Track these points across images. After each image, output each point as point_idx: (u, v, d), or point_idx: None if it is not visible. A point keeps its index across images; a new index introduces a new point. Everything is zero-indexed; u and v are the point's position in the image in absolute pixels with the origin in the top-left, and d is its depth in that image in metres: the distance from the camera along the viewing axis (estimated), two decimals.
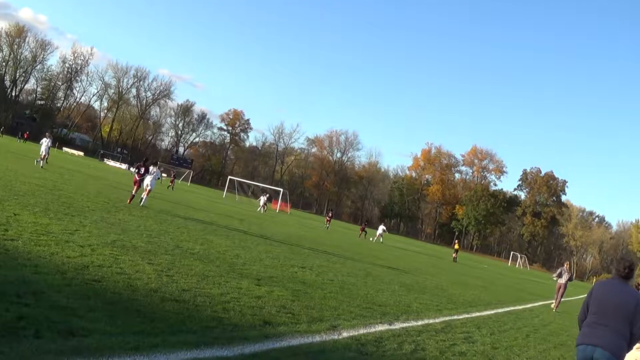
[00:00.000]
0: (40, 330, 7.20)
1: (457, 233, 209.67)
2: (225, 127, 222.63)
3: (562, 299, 32.72)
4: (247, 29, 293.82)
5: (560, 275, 32.64)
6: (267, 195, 78.90)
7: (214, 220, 33.57)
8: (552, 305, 32.45)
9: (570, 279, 32.87)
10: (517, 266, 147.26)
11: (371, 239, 70.45)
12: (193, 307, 10.36)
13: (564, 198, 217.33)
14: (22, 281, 9.25)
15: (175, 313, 9.68)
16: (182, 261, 15.09)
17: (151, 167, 33.62)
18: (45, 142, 45.66)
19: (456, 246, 75.61)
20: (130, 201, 31.02)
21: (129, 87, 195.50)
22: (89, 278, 10.53)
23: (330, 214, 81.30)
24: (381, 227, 73.13)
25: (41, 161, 44.82)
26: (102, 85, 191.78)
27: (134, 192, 32.15)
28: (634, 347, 13.02)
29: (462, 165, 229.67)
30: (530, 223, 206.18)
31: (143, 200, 31.98)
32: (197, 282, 12.71)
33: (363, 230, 73.18)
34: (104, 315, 8.47)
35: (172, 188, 72.80)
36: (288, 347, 9.48)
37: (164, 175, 78.46)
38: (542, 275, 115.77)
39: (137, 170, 33.18)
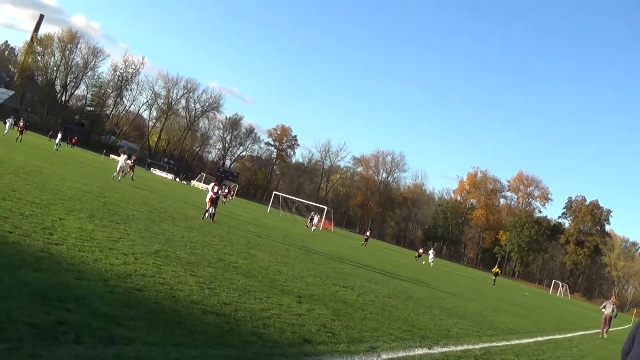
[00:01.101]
0: (80, 336, 7.19)
1: (499, 259, 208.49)
2: (272, 142, 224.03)
3: (609, 328, 34.13)
4: (292, 46, 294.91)
5: (605, 307, 34.16)
6: (317, 214, 79.54)
7: (257, 234, 33.59)
8: (600, 335, 33.91)
9: (615, 313, 33.92)
10: (558, 294, 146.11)
11: (423, 262, 71.09)
12: (234, 321, 10.33)
13: (607, 228, 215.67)
14: (65, 286, 9.28)
15: (215, 326, 9.65)
16: (225, 274, 15.09)
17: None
18: (122, 158, 49.26)
19: (496, 269, 76.78)
20: (203, 217, 32.76)
21: (178, 97, 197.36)
22: (131, 286, 10.55)
23: (368, 233, 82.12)
24: (432, 252, 75.38)
25: (117, 175, 47.45)
26: (152, 94, 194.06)
27: (209, 209, 33.40)
28: None
29: (508, 191, 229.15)
30: (573, 252, 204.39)
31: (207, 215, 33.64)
32: (238, 296, 12.69)
33: (419, 255, 75.06)
34: (144, 324, 8.46)
35: (225, 202, 73.79)
36: None
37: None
38: (583, 305, 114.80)
39: (212, 189, 34.25)
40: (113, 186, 36.61)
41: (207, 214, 33.73)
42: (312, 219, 77.36)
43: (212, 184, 35.60)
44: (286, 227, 57.30)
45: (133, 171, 53.71)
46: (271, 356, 8.91)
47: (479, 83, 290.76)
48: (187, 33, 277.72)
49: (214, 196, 33.85)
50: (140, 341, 7.69)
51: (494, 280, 76.60)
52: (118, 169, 48.03)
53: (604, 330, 35.00)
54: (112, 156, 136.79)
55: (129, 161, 52.01)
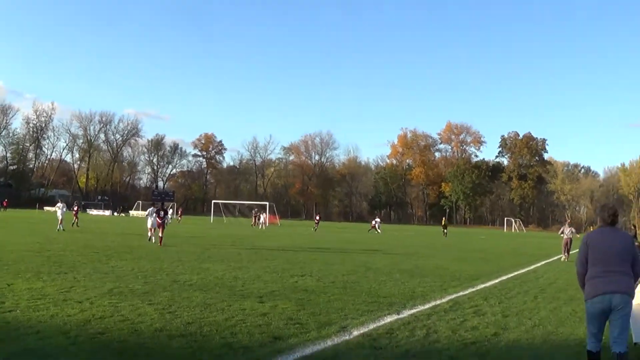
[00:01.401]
0: None
1: (447, 210, 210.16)
2: (199, 153, 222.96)
3: (570, 251, 35.59)
4: (199, 49, 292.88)
5: (564, 232, 35.91)
6: (258, 211, 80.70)
7: (206, 247, 33.54)
8: (562, 258, 34.78)
9: (575, 232, 36.14)
10: (513, 231, 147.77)
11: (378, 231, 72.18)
12: (201, 339, 10.34)
13: (546, 156, 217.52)
14: (28, 350, 9.18)
15: (184, 348, 9.65)
16: (182, 295, 15.06)
17: (152, 208, 37.15)
18: (59, 206, 49.38)
19: (444, 222, 78.69)
20: (161, 243, 33.49)
21: (96, 133, 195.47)
22: (93, 332, 10.48)
23: (317, 217, 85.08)
24: (378, 220, 77.00)
25: (60, 225, 47.22)
26: (70, 137, 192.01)
27: (160, 234, 34.05)
28: None
29: (441, 144, 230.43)
30: (518, 186, 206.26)
31: (154, 239, 35.30)
32: (200, 313, 12.69)
33: (374, 227, 76.35)
34: None
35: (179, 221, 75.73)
36: (301, 357, 9.48)
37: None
38: (540, 235, 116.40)
39: (157, 214, 35.28)
40: (53, 238, 36.22)
41: (151, 237, 35.42)
42: (256, 217, 77.93)
43: (154, 212, 36.30)
44: (233, 233, 57.28)
45: (77, 218, 53.51)
46: None
47: (388, 42, 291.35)
48: (89, 67, 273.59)
49: (159, 221, 34.53)
50: None
51: (445, 232, 78.51)
52: (60, 219, 47.80)
53: (565, 253, 36.13)
54: (47, 208, 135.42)
55: (69, 210, 52.29)
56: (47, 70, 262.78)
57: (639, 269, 8.75)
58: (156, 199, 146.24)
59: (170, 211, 74.39)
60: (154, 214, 35.98)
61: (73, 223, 51.69)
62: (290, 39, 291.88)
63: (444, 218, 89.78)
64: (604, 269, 8.52)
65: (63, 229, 46.40)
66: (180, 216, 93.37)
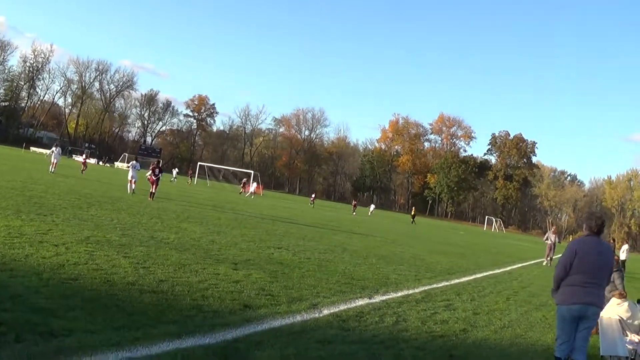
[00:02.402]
0: (20, 334, 7.16)
1: (430, 201, 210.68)
2: (191, 114, 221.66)
3: (553, 257, 36.24)
4: (203, 12, 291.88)
5: (548, 238, 36.94)
6: (252, 181, 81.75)
7: (186, 208, 33.50)
8: (545, 263, 35.77)
9: (558, 240, 36.78)
10: (492, 230, 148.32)
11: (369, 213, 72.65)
12: (172, 297, 10.38)
13: (534, 159, 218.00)
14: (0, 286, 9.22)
15: (154, 305, 9.68)
16: (158, 252, 15.08)
17: (134, 162, 38.99)
18: (56, 150, 50.19)
19: (413, 212, 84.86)
20: (152, 197, 34.90)
21: (91, 81, 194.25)
22: (66, 277, 10.50)
23: (314, 195, 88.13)
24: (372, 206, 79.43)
25: (51, 167, 48.55)
26: (65, 81, 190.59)
27: (153, 190, 35.75)
28: (615, 302, 13.23)
29: (431, 134, 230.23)
30: (503, 186, 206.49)
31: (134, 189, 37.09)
32: (174, 272, 12.72)
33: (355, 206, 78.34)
34: (83, 313, 8.45)
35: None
36: (270, 329, 9.51)
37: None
38: (519, 237, 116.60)
39: (152, 172, 36.44)
40: (38, 179, 36.09)
41: (133, 190, 36.81)
42: (244, 185, 78.61)
43: (151, 167, 37.38)
44: (215, 196, 57.21)
45: (85, 166, 54.43)
46: (213, 327, 8.96)
47: (391, 29, 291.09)
48: (92, 13, 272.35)
49: (154, 178, 35.69)
50: (81, 330, 7.68)
51: (413, 222, 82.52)
52: (53, 162, 48.77)
53: (547, 258, 36.67)
54: (35, 149, 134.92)
55: (79, 157, 53.28)
56: (49, 11, 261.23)
57: (608, 280, 9.15)
58: (142, 153, 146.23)
59: (175, 171, 76.08)
60: (136, 167, 37.77)
61: (82, 170, 52.20)
62: (294, 10, 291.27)
63: (413, 208, 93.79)
64: (587, 279, 8.68)
65: (52, 171, 47.19)
66: (190, 178, 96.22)
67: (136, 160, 39.65)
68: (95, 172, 59.70)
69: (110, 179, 54.50)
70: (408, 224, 77.29)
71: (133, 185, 37.68)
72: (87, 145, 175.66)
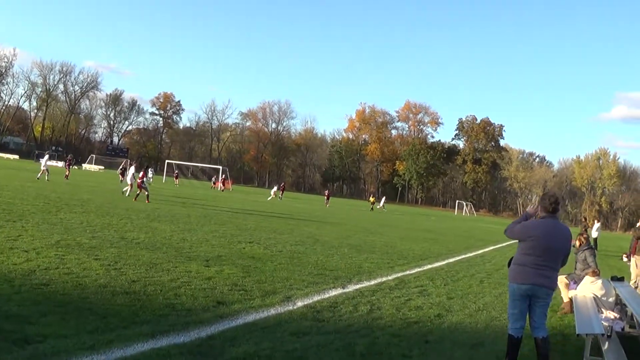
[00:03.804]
0: None
1: (400, 189, 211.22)
2: (157, 112, 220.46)
3: None
4: (164, 8, 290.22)
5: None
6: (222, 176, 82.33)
7: (156, 207, 33.40)
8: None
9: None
10: (464, 214, 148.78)
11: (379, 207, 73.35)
12: (144, 298, 10.37)
13: (502, 142, 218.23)
14: None
15: (127, 306, 9.65)
16: (129, 252, 15.05)
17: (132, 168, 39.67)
18: (45, 158, 51.85)
19: (372, 199, 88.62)
20: (148, 200, 35.54)
21: (55, 83, 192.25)
22: (37, 282, 10.45)
23: (282, 185, 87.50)
24: (383, 199, 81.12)
25: (40, 175, 49.83)
26: (29, 84, 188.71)
27: (146, 192, 36.61)
28: (589, 281, 13.34)
29: (398, 122, 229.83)
30: (472, 170, 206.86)
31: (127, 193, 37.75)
32: (145, 272, 12.71)
33: (328, 197, 78.80)
34: (56, 318, 8.43)
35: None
36: (244, 324, 9.53)
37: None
38: (490, 220, 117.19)
39: (140, 175, 37.55)
40: (4, 185, 35.86)
41: (139, 195, 36.86)
42: (215, 182, 79.28)
43: (140, 172, 38.44)
44: (184, 193, 57.15)
45: (69, 171, 54.63)
46: (186, 325, 8.96)
47: (354, 17, 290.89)
48: (53, 15, 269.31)
49: (140, 182, 36.71)
50: (55, 336, 7.66)
51: (372, 207, 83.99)
52: (42, 168, 49.94)
53: None
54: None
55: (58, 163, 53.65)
56: (10, 14, 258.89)
57: (564, 261, 9.12)
58: (110, 153, 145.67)
59: (150, 170, 76.49)
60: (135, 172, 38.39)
61: (66, 174, 52.46)
62: (255, 6, 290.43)
63: (372, 195, 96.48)
64: (539, 262, 8.71)
65: (47, 180, 48.10)
66: (176, 178, 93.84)
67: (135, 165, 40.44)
68: (63, 175, 59.11)
69: (77, 181, 54.18)
70: (379, 213, 77.42)
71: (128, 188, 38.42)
72: (53, 148, 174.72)
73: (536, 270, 8.72)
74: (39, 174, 49.48)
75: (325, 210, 60.71)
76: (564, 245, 8.86)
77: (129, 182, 37.52)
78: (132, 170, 38.75)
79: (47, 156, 51.82)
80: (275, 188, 79.06)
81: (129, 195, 38.18)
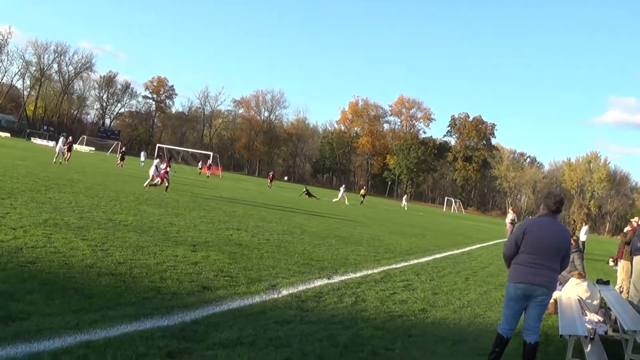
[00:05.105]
0: None
1: (389, 183, 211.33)
2: (150, 95, 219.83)
3: None
4: None
5: (508, 218, 38.77)
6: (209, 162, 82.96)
7: (145, 190, 33.40)
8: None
9: (514, 220, 37.67)
10: (452, 211, 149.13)
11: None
12: (130, 280, 10.38)
13: (494, 141, 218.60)
14: None
15: (112, 287, 9.67)
16: (116, 234, 15.05)
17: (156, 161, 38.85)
18: (60, 141, 51.40)
19: (362, 192, 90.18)
20: (167, 189, 35.30)
21: (50, 62, 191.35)
22: (24, 260, 10.46)
23: (271, 174, 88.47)
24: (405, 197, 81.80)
25: (55, 158, 49.82)
26: (23, 63, 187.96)
27: (167, 183, 36.28)
28: (574, 282, 13.40)
29: (390, 116, 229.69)
30: (462, 168, 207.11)
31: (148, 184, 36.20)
32: (132, 254, 12.72)
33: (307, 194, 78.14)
34: (41, 296, 8.42)
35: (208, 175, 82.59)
36: (228, 310, 9.55)
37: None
38: (478, 218, 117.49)
39: (163, 168, 37.06)
40: None
41: (159, 184, 36.51)
42: (203, 167, 79.79)
43: (163, 164, 37.65)
44: (173, 178, 57.04)
45: (70, 153, 53.72)
46: (171, 308, 8.98)
47: (350, 10, 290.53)
48: None
49: (164, 173, 36.47)
50: (39, 314, 7.66)
51: (362, 200, 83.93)
52: (57, 151, 50.13)
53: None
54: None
55: (49, 143, 53.25)
56: None
57: (565, 263, 9.02)
58: (101, 135, 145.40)
59: (143, 154, 77.08)
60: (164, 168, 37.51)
61: (66, 158, 51.70)
62: None
63: (363, 188, 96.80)
64: (535, 260, 8.62)
65: (60, 163, 48.56)
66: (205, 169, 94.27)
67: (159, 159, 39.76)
68: (51, 155, 58.92)
69: (70, 162, 54.02)
70: (366, 205, 77.46)
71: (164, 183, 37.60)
72: (45, 127, 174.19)
73: (531, 269, 8.65)
74: (55, 158, 49.40)
75: (312, 202, 60.69)
76: (560, 244, 8.73)
77: (151, 174, 37.03)
78: (156, 161, 38.38)
79: (62, 139, 51.08)
80: (343, 188, 75.89)
81: (149, 186, 37.96)
